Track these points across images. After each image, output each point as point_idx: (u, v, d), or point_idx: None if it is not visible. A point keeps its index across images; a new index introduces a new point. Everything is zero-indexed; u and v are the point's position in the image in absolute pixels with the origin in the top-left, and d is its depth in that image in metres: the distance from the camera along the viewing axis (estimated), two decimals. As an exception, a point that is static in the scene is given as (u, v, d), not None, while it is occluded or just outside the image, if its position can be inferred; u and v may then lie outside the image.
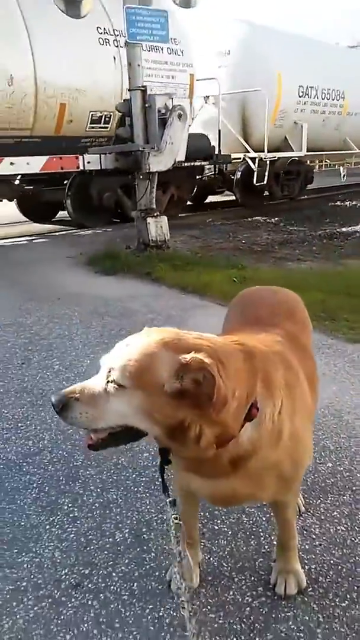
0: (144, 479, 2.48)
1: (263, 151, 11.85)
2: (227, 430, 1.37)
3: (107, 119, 9.29)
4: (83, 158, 7.16)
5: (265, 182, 12.15)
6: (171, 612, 1.76)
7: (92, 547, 2.07)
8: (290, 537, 1.83)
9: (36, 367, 3.76)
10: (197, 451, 1.37)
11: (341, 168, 17.93)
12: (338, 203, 14.08)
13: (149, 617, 1.76)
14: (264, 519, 2.17)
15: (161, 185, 10.86)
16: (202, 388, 1.27)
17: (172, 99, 7.29)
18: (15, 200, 10.72)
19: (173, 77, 10.37)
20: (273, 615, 1.73)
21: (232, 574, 1.91)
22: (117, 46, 9.13)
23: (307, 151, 13.18)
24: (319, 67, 13.23)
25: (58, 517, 2.26)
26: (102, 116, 9.13)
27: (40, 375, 3.63)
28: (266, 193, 13.84)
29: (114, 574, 1.94)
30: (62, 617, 1.77)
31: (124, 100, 7.39)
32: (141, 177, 7.27)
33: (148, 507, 2.29)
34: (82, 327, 4.61)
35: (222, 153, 11.46)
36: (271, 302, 2.08)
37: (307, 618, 1.71)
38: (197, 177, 12.15)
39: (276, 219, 11.43)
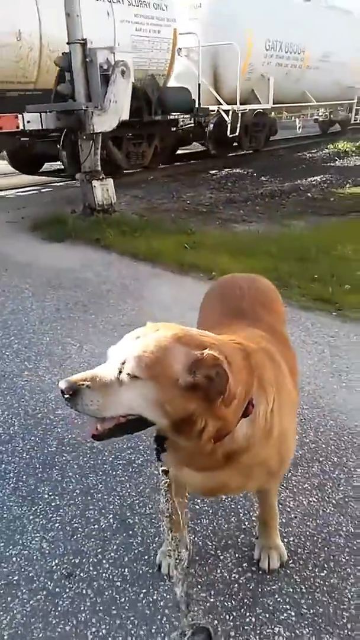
0: (121, 462, 2.54)
1: (234, 104, 12.31)
2: (227, 425, 1.43)
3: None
4: (23, 117, 6.77)
5: (237, 133, 12.65)
6: (164, 595, 1.86)
7: (78, 535, 2.13)
8: (272, 516, 1.96)
9: (-6, 347, 3.68)
10: (197, 444, 1.43)
11: (297, 120, 18.39)
12: (290, 155, 14.40)
13: (144, 601, 1.85)
14: (241, 496, 2.29)
15: (147, 137, 11.19)
16: (214, 384, 1.32)
17: (114, 53, 6.98)
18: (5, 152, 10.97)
19: (159, 32, 10.73)
20: (260, 590, 1.87)
21: (217, 553, 2.03)
22: (109, 1, 9.54)
23: (273, 103, 13.76)
24: (284, 21, 13.67)
25: (40, 506, 2.29)
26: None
27: (-1, 356, 3.56)
28: (235, 144, 14.26)
29: (104, 561, 2.01)
30: (59, 609, 1.83)
31: (62, 53, 6.98)
32: (85, 137, 7.00)
33: (129, 490, 2.36)
34: (36, 301, 4.51)
35: (201, 106, 11.77)
36: (250, 293, 2.10)
37: (291, 590, 1.86)
38: (174, 129, 12.26)
39: (217, 176, 11.42)
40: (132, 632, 1.74)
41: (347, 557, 1.98)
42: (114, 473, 2.47)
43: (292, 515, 2.19)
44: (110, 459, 2.56)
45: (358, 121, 18.33)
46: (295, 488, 2.33)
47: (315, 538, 2.08)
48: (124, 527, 2.16)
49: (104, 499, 2.31)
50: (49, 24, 8.41)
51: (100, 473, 2.47)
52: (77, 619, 1.79)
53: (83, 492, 2.36)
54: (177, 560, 1.36)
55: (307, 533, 2.10)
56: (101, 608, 1.82)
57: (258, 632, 1.72)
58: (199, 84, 11.67)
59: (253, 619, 1.76)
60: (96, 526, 2.17)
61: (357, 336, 3.77)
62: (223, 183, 10.84)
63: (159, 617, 1.78)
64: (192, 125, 12.97)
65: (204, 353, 1.33)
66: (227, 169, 12.02)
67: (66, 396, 1.36)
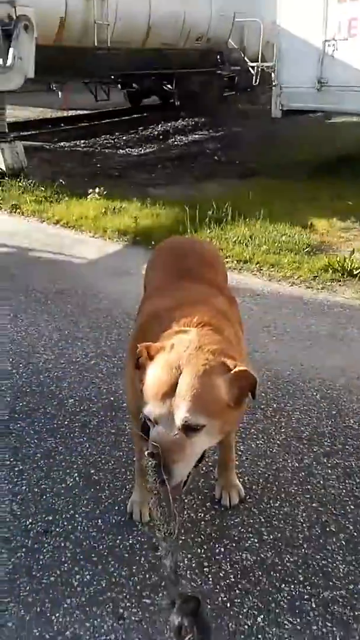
0: (77, 424, 2.63)
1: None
2: None
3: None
4: None
5: None
6: (139, 539, 2.01)
7: (48, 495, 2.21)
8: (231, 458, 2.16)
9: None
10: None
11: None
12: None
13: (121, 546, 1.99)
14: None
15: None
16: (249, 386, 1.47)
17: (15, 7, 6.62)
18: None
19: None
20: (224, 524, 2.08)
21: (181, 496, 2.20)
22: None
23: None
24: None
25: (3, 472, 2.33)
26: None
27: None
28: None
29: (76, 516, 2.12)
30: (40, 562, 1.92)
31: None
32: (-12, 97, 6.65)
33: (89, 449, 2.46)
34: None
35: None
36: (194, 255, 2.22)
37: (251, 520, 2.09)
38: None
39: (124, 137, 11.29)
40: (114, 574, 1.88)
41: (295, 488, 2.24)
42: (72, 435, 2.55)
43: (244, 458, 2.41)
44: (66, 422, 2.64)
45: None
46: (244, 434, 2.55)
47: (266, 475, 2.32)
48: (90, 483, 2.27)
49: (66, 460, 2.40)
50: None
51: (59, 436, 2.54)
52: (60, 569, 1.90)
53: (44, 455, 2.43)
54: (166, 533, 1.39)
55: (259, 472, 2.34)
56: (82, 557, 1.94)
57: (228, 559, 1.93)
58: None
59: (222, 549, 1.97)
60: (63, 485, 2.26)
61: (280, 293, 4.06)
62: (131, 145, 10.75)
63: (137, 558, 1.94)
64: None
65: (233, 370, 1.44)
66: (129, 134, 11.84)
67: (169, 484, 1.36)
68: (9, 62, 6.50)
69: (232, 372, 1.44)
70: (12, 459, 2.40)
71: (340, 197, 6.34)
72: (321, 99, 7.78)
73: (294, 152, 9.22)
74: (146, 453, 1.47)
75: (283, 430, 2.60)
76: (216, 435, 1.48)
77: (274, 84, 8.47)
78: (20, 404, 2.77)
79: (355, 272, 4.26)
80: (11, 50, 6.50)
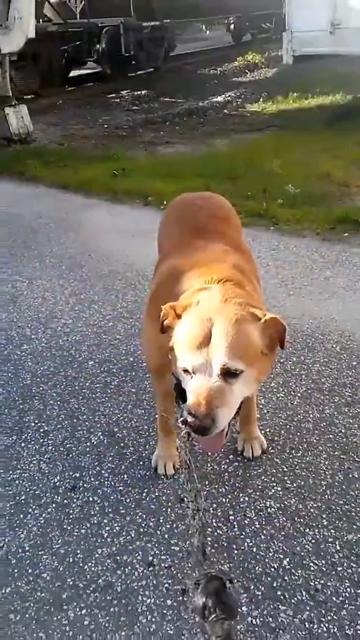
0: (98, 385, 2.66)
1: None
2: None
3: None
4: None
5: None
6: (165, 491, 2.06)
7: (74, 454, 2.27)
8: (252, 409, 2.18)
9: None
10: None
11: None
12: (199, 71, 13.88)
13: (147, 498, 2.04)
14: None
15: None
16: (280, 336, 1.50)
17: (11, -36, 6.40)
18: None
19: None
20: (248, 475, 2.11)
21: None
22: None
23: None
24: None
25: (29, 434, 2.39)
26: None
27: None
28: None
29: (103, 472, 2.17)
30: (71, 517, 1.99)
31: None
32: (-10, 60, 6.51)
33: (111, 409, 2.50)
34: (-29, 240, 4.36)
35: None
36: (207, 209, 2.19)
37: (274, 470, 2.12)
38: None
39: (131, 95, 11.03)
40: (142, 524, 1.94)
41: (317, 438, 2.26)
42: (93, 396, 2.59)
43: (265, 411, 2.44)
44: (87, 384, 2.68)
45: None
46: (264, 387, 2.56)
47: (288, 426, 2.34)
48: (114, 441, 2.32)
49: (90, 420, 2.45)
50: None
51: (81, 397, 2.59)
52: (90, 522, 1.96)
53: (68, 416, 2.47)
54: (195, 511, 1.39)
55: (280, 423, 2.36)
56: (110, 510, 2.00)
57: (252, 507, 1.97)
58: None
59: (246, 498, 2.01)
60: (88, 444, 2.32)
61: (296, 247, 4.01)
62: (138, 104, 10.51)
63: (163, 509, 1.99)
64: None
65: (263, 319, 1.46)
66: (138, 91, 11.54)
67: (208, 432, 1.37)
68: (9, 22, 6.33)
69: (262, 320, 1.46)
70: (36, 421, 2.46)
71: (358, 144, 6.15)
72: (335, 42, 7.48)
73: (308, 100, 8.91)
74: (180, 421, 1.49)
75: (303, 382, 2.60)
76: (252, 384, 1.49)
77: (285, 28, 8.16)
78: (42, 368, 2.81)
79: (372, 222, 4.18)
80: (10, 9, 6.32)
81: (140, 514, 1.98)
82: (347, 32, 7.28)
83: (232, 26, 17.79)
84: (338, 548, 1.80)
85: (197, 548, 1.35)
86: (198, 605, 1.12)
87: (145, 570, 1.77)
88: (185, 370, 1.44)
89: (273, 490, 2.04)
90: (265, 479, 2.09)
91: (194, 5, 14.27)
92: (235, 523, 1.92)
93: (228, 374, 1.39)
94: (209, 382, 1.38)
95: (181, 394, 1.55)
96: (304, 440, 2.26)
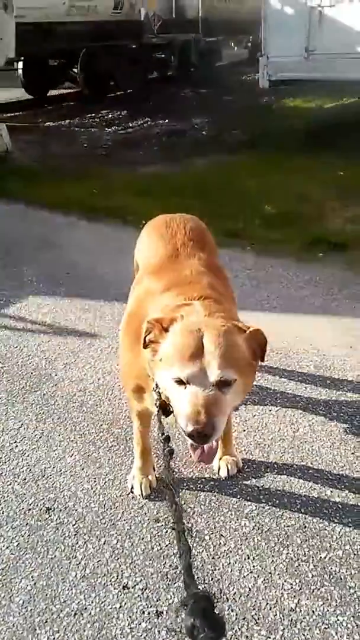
0: (74, 404, 2.65)
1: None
2: None
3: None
4: None
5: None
6: (140, 511, 2.06)
7: (48, 474, 2.25)
8: (229, 428, 2.19)
9: None
10: None
11: None
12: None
13: (123, 519, 2.03)
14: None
15: None
16: (263, 347, 1.55)
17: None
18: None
19: None
20: (223, 494, 2.12)
21: (180, 470, 2.25)
22: None
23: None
24: None
25: (3, 454, 2.36)
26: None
27: None
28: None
29: (78, 492, 2.16)
30: (44, 539, 1.97)
31: None
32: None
33: (87, 429, 2.49)
34: None
35: None
36: (183, 232, 2.21)
37: (249, 489, 2.13)
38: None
39: (110, 115, 11.13)
40: (118, 546, 1.93)
41: (291, 457, 2.29)
42: (70, 416, 2.58)
43: (240, 429, 2.45)
44: (63, 403, 2.67)
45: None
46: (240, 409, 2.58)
47: (262, 445, 2.36)
48: (90, 461, 2.31)
49: (66, 439, 2.43)
50: None
51: (57, 418, 2.57)
52: (65, 544, 1.95)
53: (44, 435, 2.46)
54: (181, 532, 1.34)
55: (255, 442, 2.38)
56: (84, 532, 1.99)
57: (227, 527, 1.98)
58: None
59: (222, 517, 2.02)
60: (63, 463, 2.30)
61: (272, 267, 4.07)
62: (117, 124, 10.60)
63: (139, 529, 1.98)
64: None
65: (248, 330, 1.50)
66: (116, 111, 11.60)
67: (210, 440, 1.42)
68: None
69: (247, 332, 1.50)
70: (11, 441, 2.43)
71: (332, 167, 6.30)
72: (310, 67, 7.68)
73: (283, 124, 9.11)
74: (162, 438, 1.51)
75: (279, 401, 2.63)
76: (241, 395, 1.52)
77: (261, 53, 8.36)
78: (17, 387, 2.79)
79: (346, 243, 4.27)
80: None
81: (115, 535, 1.97)
82: (321, 58, 7.47)
83: (249, 44, 19.08)
84: (312, 567, 1.81)
85: (184, 569, 1.35)
86: (187, 625, 1.12)
87: (119, 593, 1.76)
88: (179, 381, 1.45)
89: (248, 510, 2.05)
90: (240, 498, 2.10)
91: (229, 23, 15.96)
92: (210, 542, 1.92)
93: (222, 384, 1.42)
94: (205, 391, 1.41)
95: (164, 410, 1.58)
96: (279, 458, 2.28)
